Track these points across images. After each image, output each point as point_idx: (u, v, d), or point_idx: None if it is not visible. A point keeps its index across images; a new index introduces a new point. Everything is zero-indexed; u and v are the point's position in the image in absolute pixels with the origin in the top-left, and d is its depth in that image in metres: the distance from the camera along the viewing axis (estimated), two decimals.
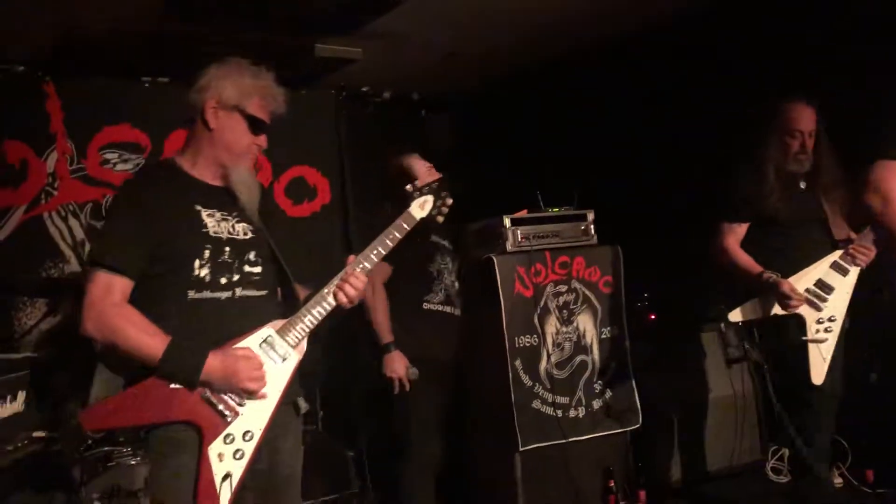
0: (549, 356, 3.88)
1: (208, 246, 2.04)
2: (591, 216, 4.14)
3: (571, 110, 5.23)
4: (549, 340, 3.89)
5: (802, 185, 3.45)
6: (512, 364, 3.76)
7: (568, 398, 3.91)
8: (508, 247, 3.88)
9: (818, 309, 3.27)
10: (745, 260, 3.40)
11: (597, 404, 3.97)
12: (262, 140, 2.17)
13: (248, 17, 4.13)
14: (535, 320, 3.88)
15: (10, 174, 4.46)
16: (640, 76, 4.81)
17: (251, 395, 2.01)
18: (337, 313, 2.17)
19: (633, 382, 4.06)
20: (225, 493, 1.91)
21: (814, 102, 3.37)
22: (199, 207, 2.08)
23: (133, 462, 3.03)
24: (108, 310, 1.93)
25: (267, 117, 2.15)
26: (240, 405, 2.00)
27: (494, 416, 3.83)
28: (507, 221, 3.91)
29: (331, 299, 2.13)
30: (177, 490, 1.93)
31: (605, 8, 4.38)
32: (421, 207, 2.34)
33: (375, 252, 2.20)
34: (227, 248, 2.07)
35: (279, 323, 2.10)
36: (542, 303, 3.91)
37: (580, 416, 3.92)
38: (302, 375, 4.00)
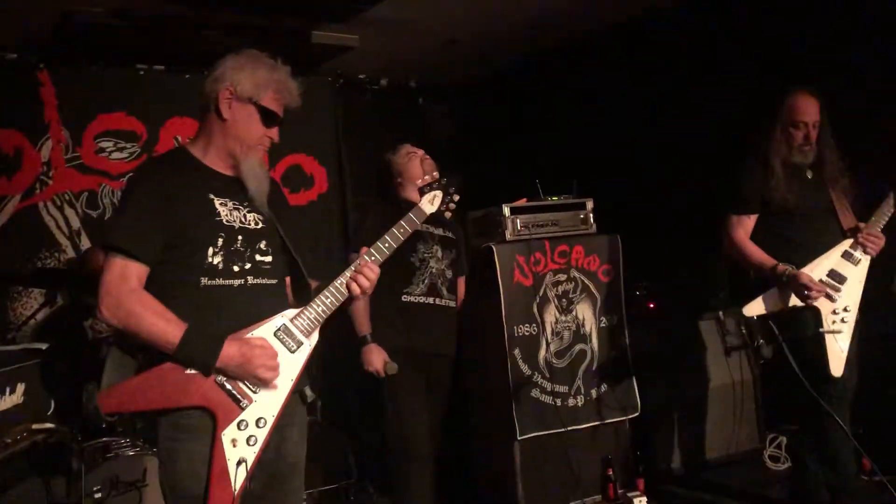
0: (548, 345, 3.88)
1: (221, 234, 2.06)
2: (590, 205, 4.13)
3: (571, 99, 5.22)
4: (549, 329, 3.89)
5: (809, 175, 3.44)
6: (511, 353, 3.76)
7: (567, 387, 3.91)
8: (508, 236, 3.87)
9: (832, 300, 3.25)
10: (758, 253, 3.37)
11: (596, 393, 3.98)
12: (275, 133, 2.17)
13: (244, 3, 4.10)
14: (535, 309, 3.87)
15: (4, 163, 4.43)
16: (640, 66, 4.79)
17: (265, 384, 2.02)
18: (348, 304, 2.20)
19: (632, 371, 4.07)
20: (238, 479, 1.93)
21: (818, 93, 3.35)
22: (212, 196, 2.09)
23: (132, 453, 3.03)
24: (126, 296, 1.95)
25: (280, 111, 2.16)
26: (254, 392, 2.02)
27: (493, 405, 3.84)
28: (506, 210, 3.90)
29: (344, 290, 2.16)
30: (190, 475, 1.95)
31: None
32: (431, 202, 2.37)
33: (387, 245, 2.25)
34: (240, 237, 2.09)
35: (293, 312, 2.11)
36: (541, 292, 3.90)
37: (579, 404, 3.93)
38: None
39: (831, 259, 3.30)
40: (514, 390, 3.74)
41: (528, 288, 3.86)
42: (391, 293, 3.25)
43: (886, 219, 3.28)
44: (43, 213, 4.53)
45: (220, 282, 2.04)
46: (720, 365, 4.38)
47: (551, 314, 3.92)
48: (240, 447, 1.96)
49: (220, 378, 1.98)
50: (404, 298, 3.28)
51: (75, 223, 4.60)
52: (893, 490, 3.10)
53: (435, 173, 2.48)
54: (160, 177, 2.06)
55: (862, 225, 3.34)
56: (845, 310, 3.25)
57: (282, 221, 2.22)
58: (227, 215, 2.08)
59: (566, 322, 3.96)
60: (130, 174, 2.29)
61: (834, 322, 3.22)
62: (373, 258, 2.21)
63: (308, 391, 2.21)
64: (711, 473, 4.24)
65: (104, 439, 3.07)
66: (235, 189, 2.13)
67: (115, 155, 4.70)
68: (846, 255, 3.31)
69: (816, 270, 3.29)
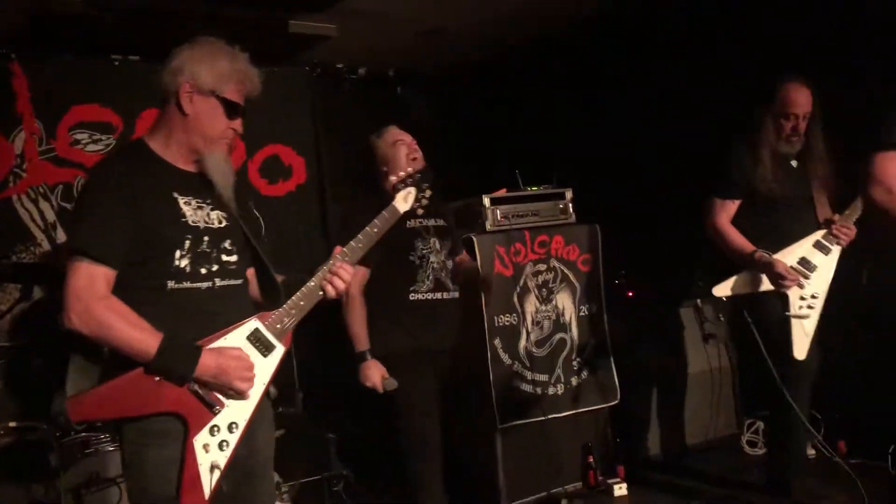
0: (528, 334, 3.90)
1: (188, 236, 1.99)
2: (569, 195, 4.15)
3: (551, 88, 5.21)
4: (529, 319, 3.91)
5: (794, 165, 3.48)
6: (491, 343, 3.77)
7: (547, 376, 3.94)
8: (488, 226, 3.88)
9: (801, 286, 3.32)
10: (738, 238, 3.42)
11: (575, 381, 4.01)
12: (238, 124, 2.11)
13: None
14: (515, 299, 3.89)
15: None
16: (618, 55, 4.79)
17: (240, 395, 1.99)
18: (322, 303, 2.16)
19: (612, 359, 4.11)
20: (210, 484, 1.90)
21: (811, 84, 3.38)
22: (176, 195, 2.02)
23: (111, 448, 3.00)
24: (95, 303, 1.87)
25: (242, 101, 2.10)
26: (226, 397, 1.98)
27: (474, 394, 3.85)
28: (486, 201, 3.91)
29: (318, 291, 2.13)
30: (160, 480, 1.90)
31: None
32: (405, 200, 2.34)
33: (361, 244, 2.21)
34: (206, 238, 2.03)
35: (266, 315, 2.08)
36: (521, 282, 3.92)
37: (559, 392, 3.96)
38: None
39: (803, 247, 3.38)
40: (494, 380, 3.75)
41: (508, 278, 3.87)
42: (398, 294, 3.15)
43: (859, 212, 3.33)
44: (17, 207, 4.46)
45: (187, 285, 1.99)
46: (698, 352, 4.44)
47: (531, 304, 3.94)
48: (212, 452, 1.93)
49: (194, 385, 1.93)
50: (412, 297, 3.16)
51: (50, 216, 4.53)
52: (850, 471, 3.23)
53: (409, 168, 2.45)
54: (124, 176, 1.96)
55: (836, 217, 3.40)
56: (813, 297, 3.33)
57: (244, 215, 2.17)
58: (192, 215, 2.02)
59: (546, 311, 3.98)
60: (91, 170, 2.15)
61: (801, 307, 3.30)
62: (346, 258, 2.17)
63: (272, 388, 2.16)
64: (690, 459, 4.30)
65: (83, 434, 3.04)
66: (197, 186, 2.07)
67: (91, 147, 4.63)
68: (818, 245, 3.40)
69: (788, 257, 3.37)
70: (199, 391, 1.94)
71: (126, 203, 1.92)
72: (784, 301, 3.31)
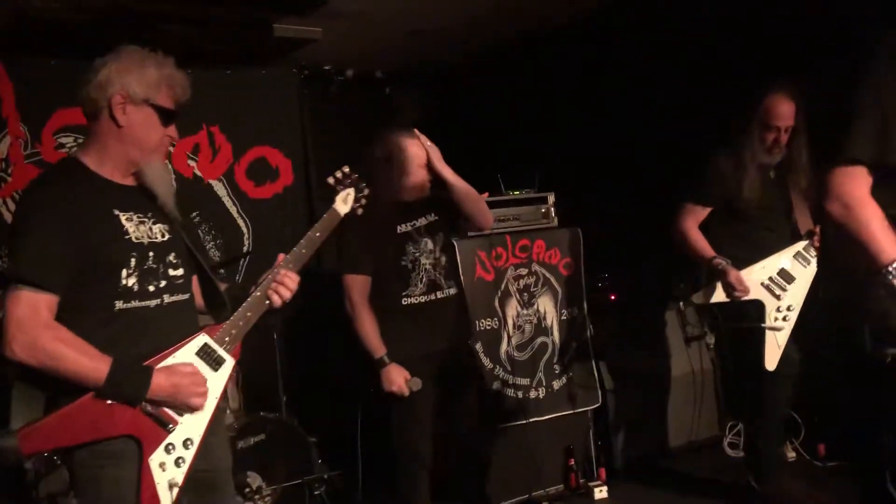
0: (509, 338, 3.93)
1: (133, 253, 1.97)
2: (551, 199, 4.17)
3: (535, 90, 5.22)
4: (510, 323, 3.93)
5: (772, 175, 3.49)
6: (472, 347, 3.78)
7: (528, 379, 3.96)
8: (469, 231, 3.88)
9: (778, 298, 3.34)
10: (699, 242, 3.44)
11: (557, 385, 4.03)
12: (173, 130, 2.09)
13: None
14: (496, 303, 3.91)
15: None
16: (604, 58, 4.79)
17: (194, 410, 1.99)
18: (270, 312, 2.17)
19: (594, 362, 4.13)
20: (169, 501, 1.90)
21: (795, 96, 3.37)
22: (117, 212, 1.98)
23: None
24: (41, 333, 1.82)
25: (174, 106, 2.07)
26: (179, 414, 1.98)
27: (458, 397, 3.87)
28: None
29: (265, 301, 2.12)
30: (118, 502, 1.89)
31: None
32: (344, 202, 2.34)
33: (304, 250, 2.21)
34: (151, 254, 2.01)
35: (214, 329, 2.07)
36: (502, 286, 3.94)
37: (540, 396, 3.98)
38: (263, 361, 4.01)
39: (783, 259, 3.38)
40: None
41: (489, 283, 3.89)
42: (391, 299, 3.14)
43: None
44: (3, 211, 4.47)
45: (136, 304, 1.96)
46: (681, 354, 4.46)
47: (513, 308, 3.96)
48: (169, 470, 1.92)
49: (146, 406, 1.92)
50: (405, 301, 3.14)
51: None
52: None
53: (345, 168, 2.42)
54: (61, 197, 1.90)
55: (818, 228, 3.40)
56: (788, 308, 3.35)
57: (185, 223, 2.16)
58: (135, 231, 1.99)
59: (528, 315, 4.00)
60: (24, 193, 2.06)
61: (776, 319, 3.31)
62: (290, 266, 2.17)
63: (224, 402, 2.19)
64: (672, 461, 4.33)
65: None
66: (136, 200, 2.04)
67: (77, 150, 4.65)
68: (798, 256, 3.41)
69: (767, 268, 3.37)
70: (152, 411, 1.93)
71: (66, 225, 1.88)
72: (759, 311, 3.33)
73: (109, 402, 1.88)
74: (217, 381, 2.05)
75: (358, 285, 3.13)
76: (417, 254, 3.19)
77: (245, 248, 5.02)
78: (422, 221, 3.25)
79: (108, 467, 1.89)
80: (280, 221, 5.21)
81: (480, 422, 3.42)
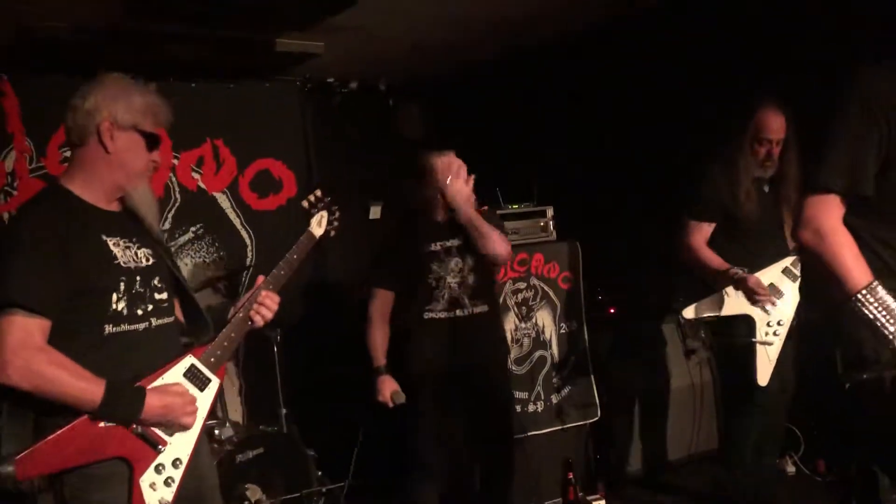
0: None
1: (122, 278, 2.01)
2: (550, 212, 4.19)
3: (534, 105, 5.24)
4: (509, 337, 3.94)
5: (766, 189, 3.50)
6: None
7: (527, 393, 3.98)
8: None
9: (768, 313, 3.34)
10: (713, 258, 3.43)
11: (556, 398, 4.05)
12: (157, 155, 2.15)
13: (206, 16, 4.10)
14: None
15: None
16: (605, 70, 4.81)
17: (185, 429, 2.04)
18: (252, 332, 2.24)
19: (592, 376, 4.14)
20: None
21: (786, 110, 3.39)
22: (104, 237, 2.03)
23: None
24: (35, 357, 1.84)
25: (159, 131, 2.13)
26: (169, 435, 2.03)
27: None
28: None
29: (247, 322, 2.19)
30: None
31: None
32: (319, 224, 2.42)
33: (283, 272, 2.28)
34: (138, 278, 2.06)
35: (199, 350, 2.12)
36: (501, 300, 3.95)
37: (539, 409, 4.00)
38: (264, 374, 4.04)
39: (771, 274, 3.40)
40: None
41: None
42: (416, 312, 3.29)
43: None
44: None
45: (125, 328, 2.00)
46: (680, 367, 4.46)
47: (511, 322, 3.98)
48: (159, 490, 1.97)
49: (137, 427, 1.97)
50: (426, 315, 3.27)
51: None
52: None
53: (318, 192, 2.49)
54: (52, 222, 1.94)
55: None
56: (778, 323, 3.35)
57: (165, 247, 2.22)
58: (122, 256, 2.04)
59: (526, 329, 4.02)
60: (12, 220, 2.11)
61: (767, 334, 3.31)
62: (270, 287, 2.23)
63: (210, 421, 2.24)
64: (671, 475, 4.33)
65: None
66: (122, 225, 2.09)
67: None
68: (786, 272, 3.41)
69: None
70: (142, 432, 1.97)
71: (56, 250, 1.91)
72: (750, 326, 3.34)
73: (102, 424, 1.91)
74: (204, 401, 2.10)
75: (381, 298, 3.34)
76: (443, 273, 3.28)
77: (248, 261, 5.07)
78: (454, 242, 3.32)
79: (96, 490, 1.92)
80: (283, 233, 5.24)
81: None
